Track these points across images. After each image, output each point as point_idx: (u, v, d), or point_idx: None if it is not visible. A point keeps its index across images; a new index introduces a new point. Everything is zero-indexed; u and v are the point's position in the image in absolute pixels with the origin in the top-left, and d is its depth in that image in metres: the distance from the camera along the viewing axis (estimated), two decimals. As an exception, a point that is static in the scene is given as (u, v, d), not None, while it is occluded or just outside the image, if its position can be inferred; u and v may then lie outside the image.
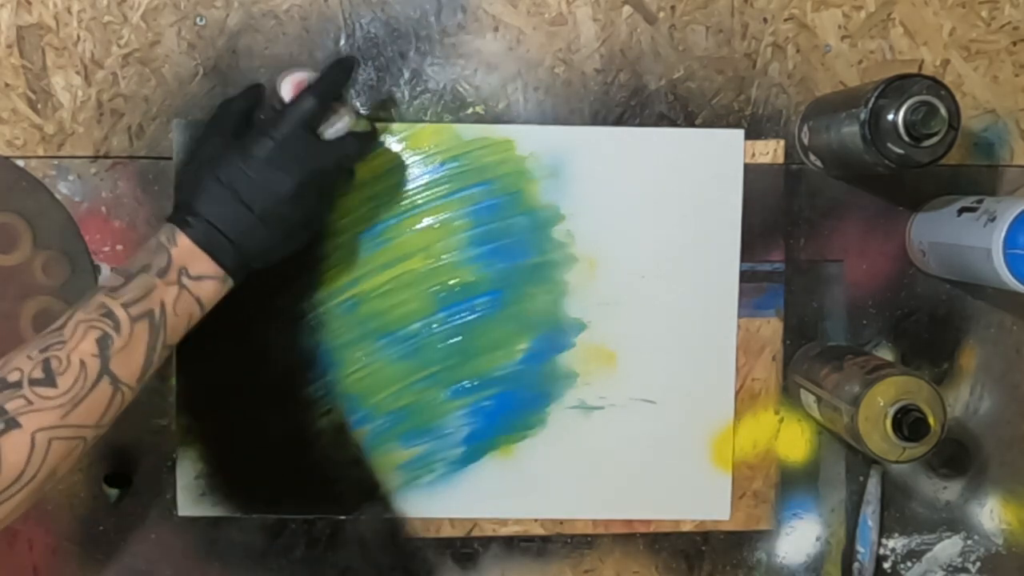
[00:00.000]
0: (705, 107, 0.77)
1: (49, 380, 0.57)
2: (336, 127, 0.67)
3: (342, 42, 0.75)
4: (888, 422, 0.66)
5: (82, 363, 0.58)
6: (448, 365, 0.76)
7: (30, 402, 0.56)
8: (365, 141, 0.69)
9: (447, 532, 0.77)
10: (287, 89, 0.66)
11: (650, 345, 0.76)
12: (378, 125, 0.73)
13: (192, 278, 0.62)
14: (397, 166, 0.75)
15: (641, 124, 0.76)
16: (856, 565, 0.79)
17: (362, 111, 0.72)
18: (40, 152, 0.74)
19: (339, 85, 0.67)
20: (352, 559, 0.77)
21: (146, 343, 0.60)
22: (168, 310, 0.61)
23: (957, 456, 0.80)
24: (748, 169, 0.76)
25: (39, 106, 0.73)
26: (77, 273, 0.74)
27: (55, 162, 0.74)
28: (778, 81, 0.77)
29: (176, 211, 0.64)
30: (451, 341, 0.76)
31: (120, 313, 0.59)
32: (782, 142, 0.76)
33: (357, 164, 0.71)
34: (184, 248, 0.62)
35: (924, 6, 0.76)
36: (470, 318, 0.76)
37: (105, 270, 0.74)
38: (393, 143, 0.75)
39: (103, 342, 0.59)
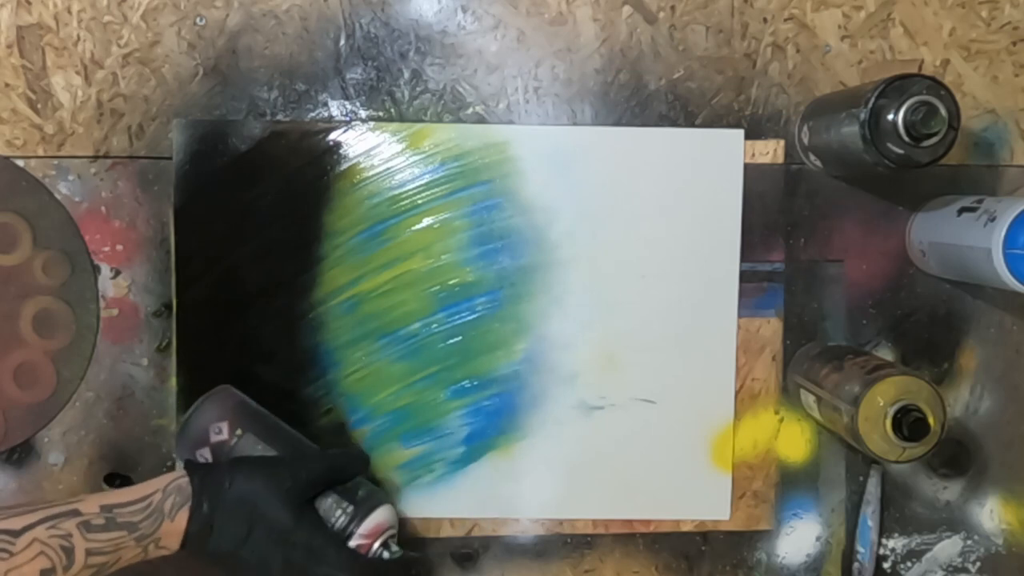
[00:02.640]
0: (705, 107, 0.77)
1: None
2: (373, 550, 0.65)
3: (342, 42, 0.75)
4: (888, 422, 0.66)
5: None
6: (448, 365, 0.76)
7: None
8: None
9: (447, 532, 0.77)
10: (365, 530, 0.64)
11: (650, 345, 0.76)
12: (379, 126, 0.74)
13: (158, 547, 0.60)
14: (397, 166, 0.75)
15: (641, 124, 0.76)
16: (856, 565, 0.79)
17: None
18: (40, 152, 0.74)
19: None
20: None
21: None
22: (120, 562, 0.59)
23: (957, 456, 0.80)
24: (748, 169, 0.76)
25: (39, 106, 0.73)
26: (77, 273, 0.74)
27: (55, 162, 0.74)
28: (778, 81, 0.77)
29: (204, 480, 0.61)
30: (451, 341, 0.76)
31: (79, 557, 0.57)
32: (782, 142, 0.76)
33: None
34: (176, 528, 0.60)
35: (924, 6, 0.76)
36: (470, 318, 0.76)
37: (105, 270, 0.74)
38: (393, 143, 0.75)
39: (46, 575, 0.56)
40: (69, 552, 0.56)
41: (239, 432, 0.66)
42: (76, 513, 0.58)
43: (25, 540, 0.55)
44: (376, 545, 0.64)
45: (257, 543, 0.61)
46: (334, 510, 0.64)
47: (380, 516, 0.65)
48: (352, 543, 0.64)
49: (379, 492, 0.67)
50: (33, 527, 0.56)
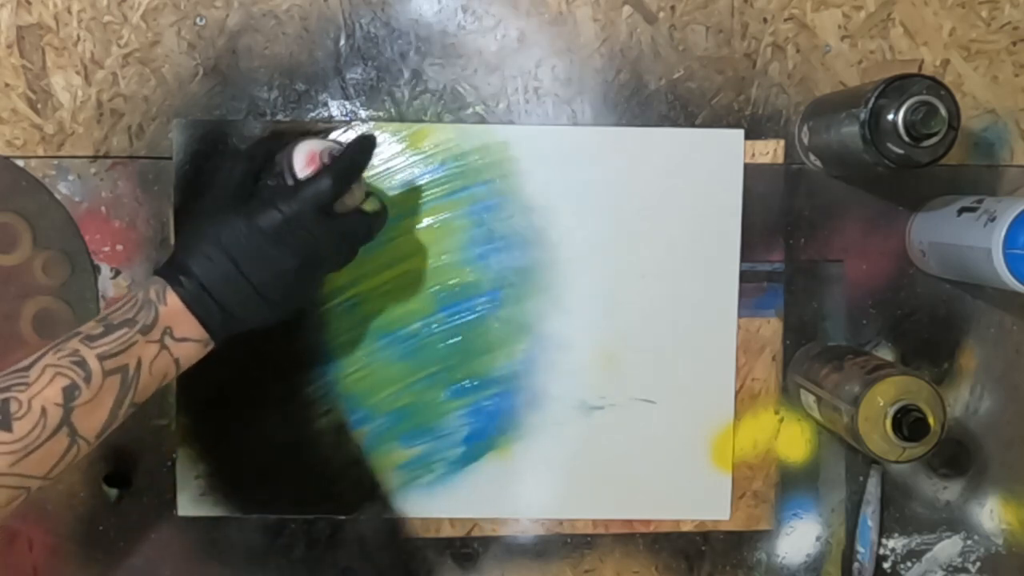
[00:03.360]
0: (705, 107, 0.77)
1: (5, 423, 0.54)
2: (346, 204, 0.65)
3: (342, 42, 0.75)
4: (888, 422, 0.66)
5: (43, 410, 0.55)
6: (448, 365, 0.76)
7: None
8: (375, 221, 0.66)
9: (447, 532, 0.77)
10: (300, 161, 0.63)
11: (650, 345, 0.76)
12: (379, 126, 0.74)
13: (175, 339, 0.60)
14: (397, 166, 0.75)
15: (641, 124, 0.76)
16: (856, 565, 0.79)
17: (369, 191, 0.69)
18: (40, 152, 0.74)
19: (359, 167, 0.64)
20: (352, 559, 0.77)
21: (114, 399, 0.58)
22: (144, 368, 0.59)
23: (957, 456, 0.80)
24: (748, 169, 0.76)
25: (39, 106, 0.73)
26: (77, 273, 0.74)
27: (55, 162, 0.74)
28: (778, 81, 0.77)
29: (170, 266, 0.62)
30: (451, 341, 0.76)
31: (93, 364, 0.57)
32: (782, 142, 0.76)
33: (366, 243, 0.67)
34: (173, 308, 0.60)
35: (924, 6, 0.76)
36: (470, 318, 0.76)
37: (105, 270, 0.74)
38: (393, 143, 0.75)
39: (69, 392, 0.56)
40: (82, 364, 0.57)
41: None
42: (75, 333, 0.59)
43: (37, 370, 0.56)
44: (323, 161, 0.63)
45: (247, 263, 0.61)
46: (271, 184, 0.64)
47: (304, 146, 0.64)
48: (301, 178, 0.63)
49: (291, 141, 0.65)
50: (42, 357, 0.57)
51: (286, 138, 0.66)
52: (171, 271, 0.61)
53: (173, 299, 0.60)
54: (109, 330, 0.59)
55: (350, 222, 0.65)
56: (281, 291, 0.62)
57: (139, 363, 0.59)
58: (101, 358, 0.57)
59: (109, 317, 0.60)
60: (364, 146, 0.65)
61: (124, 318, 0.59)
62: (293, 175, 0.63)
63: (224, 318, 0.61)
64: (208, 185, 0.65)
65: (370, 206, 0.66)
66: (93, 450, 0.58)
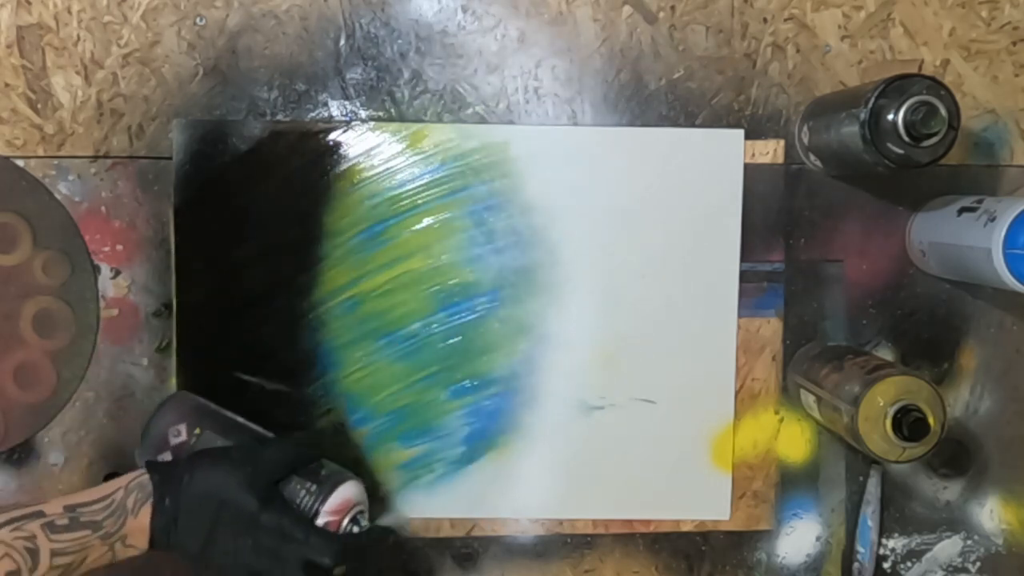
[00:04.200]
0: (705, 107, 0.77)
1: None
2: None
3: (342, 42, 0.75)
4: (888, 422, 0.66)
5: None
6: (448, 365, 0.76)
7: None
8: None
9: (447, 532, 0.77)
10: (333, 503, 0.63)
11: (650, 345, 0.76)
12: (379, 126, 0.74)
13: (125, 546, 0.60)
14: (397, 166, 0.75)
15: (641, 124, 0.76)
16: (856, 565, 0.79)
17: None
18: (40, 152, 0.74)
19: (369, 560, 0.63)
20: (352, 559, 0.77)
21: None
22: (86, 563, 0.59)
23: (957, 456, 0.80)
24: (748, 169, 0.76)
25: (39, 106, 0.73)
26: (77, 273, 0.74)
27: (55, 162, 0.74)
28: (778, 81, 0.77)
29: (166, 472, 0.61)
30: (451, 341, 0.76)
31: (44, 558, 0.57)
32: (782, 142, 0.76)
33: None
34: (140, 524, 0.60)
35: (924, 6, 0.76)
36: (470, 318, 0.76)
37: (105, 270, 0.74)
38: (393, 143, 0.75)
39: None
40: (34, 553, 0.56)
41: (197, 431, 0.66)
42: (40, 515, 0.58)
43: None
44: (345, 521, 0.63)
45: (224, 534, 0.60)
46: (299, 491, 0.63)
47: (346, 491, 0.64)
48: (320, 521, 0.62)
49: (343, 470, 0.66)
50: None
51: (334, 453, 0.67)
52: (163, 481, 0.61)
53: (145, 515, 0.60)
54: (73, 526, 0.58)
55: None
56: (215, 571, 0.62)
57: (84, 560, 0.59)
58: (54, 554, 0.57)
59: (79, 510, 0.59)
60: (382, 542, 0.65)
61: (92, 519, 0.59)
62: (318, 507, 0.63)
63: (165, 549, 0.61)
64: (260, 454, 0.64)
65: (339, 571, 0.63)
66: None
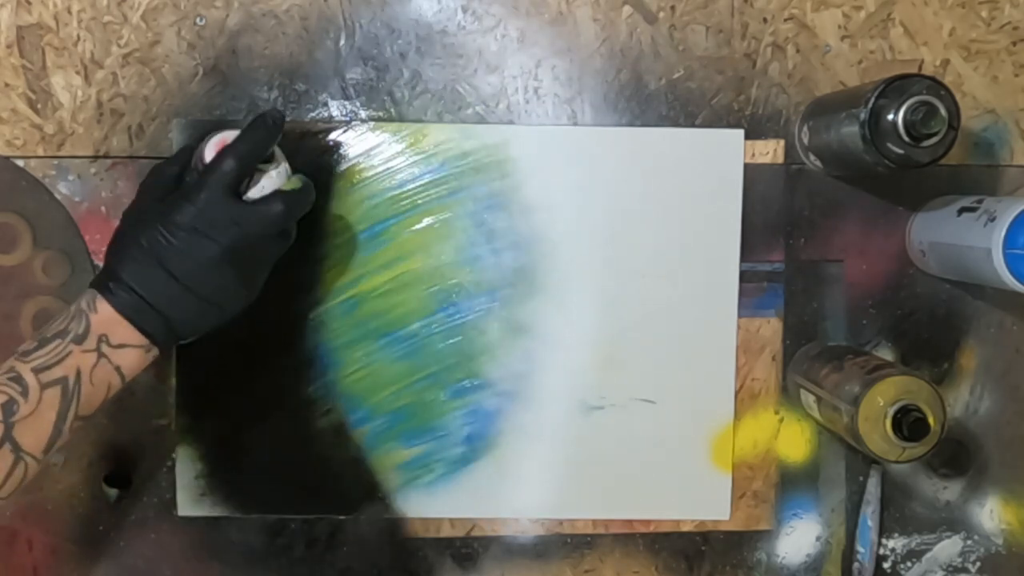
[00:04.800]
0: (705, 107, 0.77)
1: None
2: (262, 187, 0.63)
3: (342, 42, 0.75)
4: (888, 422, 0.66)
5: None
6: (448, 365, 0.76)
7: None
8: (294, 201, 0.64)
9: (447, 532, 0.77)
10: (210, 151, 0.63)
11: (650, 345, 0.76)
12: (379, 126, 0.73)
13: (112, 346, 0.59)
14: (397, 166, 0.75)
15: (641, 124, 0.76)
16: (856, 565, 0.79)
17: (288, 170, 0.66)
18: (40, 152, 0.74)
19: (262, 144, 0.63)
20: (352, 559, 0.77)
21: (56, 412, 0.57)
22: (84, 379, 0.58)
23: (957, 456, 0.80)
24: (748, 169, 0.76)
25: (39, 106, 0.73)
26: (77, 273, 0.74)
27: (55, 162, 0.74)
28: (778, 81, 0.77)
29: (99, 276, 0.62)
30: (451, 341, 0.76)
31: (29, 378, 0.57)
32: (782, 142, 0.76)
33: (288, 225, 0.65)
34: (104, 315, 0.59)
35: (924, 6, 0.76)
36: (470, 318, 0.76)
37: (105, 270, 0.74)
38: (393, 143, 0.75)
39: (7, 408, 0.56)
40: (18, 379, 0.57)
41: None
42: (12, 351, 0.59)
43: None
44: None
45: (177, 254, 0.60)
46: (190, 172, 0.63)
47: (213, 139, 0.63)
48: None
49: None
50: None
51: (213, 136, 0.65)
52: (101, 279, 0.61)
53: (104, 306, 0.60)
54: (43, 344, 0.59)
55: (265, 203, 0.63)
56: (213, 286, 0.61)
57: (78, 374, 0.58)
58: (36, 371, 0.57)
59: (43, 331, 0.60)
60: (268, 122, 0.63)
61: (56, 330, 0.59)
62: (203, 165, 0.63)
63: (160, 320, 0.61)
64: (136, 198, 0.65)
65: (288, 186, 0.64)
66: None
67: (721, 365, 0.77)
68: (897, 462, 0.67)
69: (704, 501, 0.78)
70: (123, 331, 0.60)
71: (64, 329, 0.59)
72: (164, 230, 0.60)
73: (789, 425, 0.78)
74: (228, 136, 0.63)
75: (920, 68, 0.77)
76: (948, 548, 0.80)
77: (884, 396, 0.66)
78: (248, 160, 0.62)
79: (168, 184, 0.64)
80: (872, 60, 0.77)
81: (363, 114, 0.75)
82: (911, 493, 0.80)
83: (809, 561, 0.80)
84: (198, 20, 0.74)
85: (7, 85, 0.73)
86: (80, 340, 0.59)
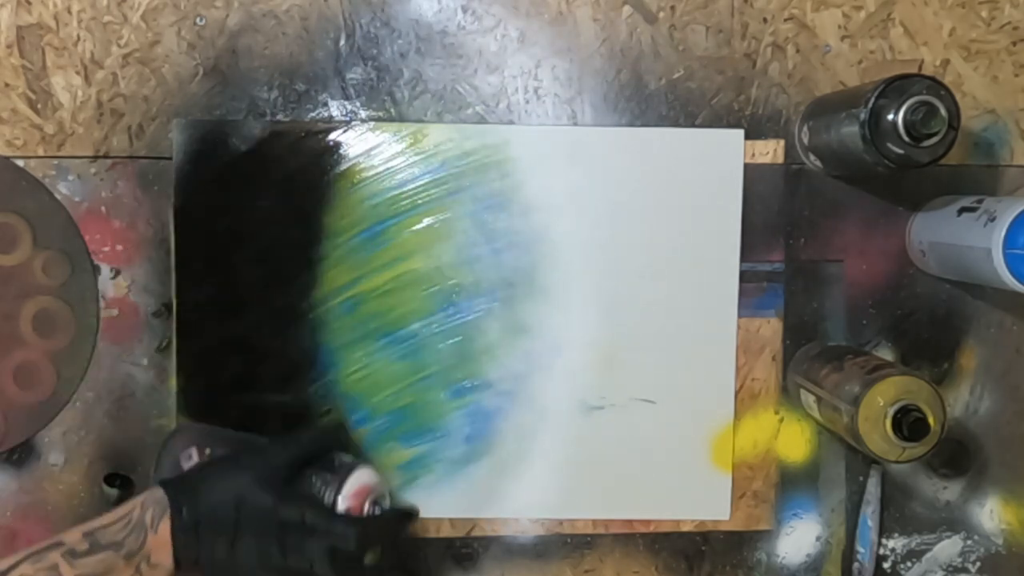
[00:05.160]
0: (705, 107, 0.77)
1: None
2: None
3: (342, 42, 0.75)
4: (888, 422, 0.66)
5: None
6: (448, 365, 0.76)
7: None
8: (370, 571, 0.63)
9: (447, 532, 0.77)
10: (349, 489, 0.63)
11: (650, 345, 0.76)
12: (379, 126, 0.74)
13: (150, 565, 0.59)
14: (397, 166, 0.75)
15: (641, 124, 0.76)
16: (856, 565, 0.79)
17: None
18: (40, 152, 0.74)
19: (391, 539, 0.63)
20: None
21: None
22: None
23: (957, 456, 0.80)
24: (748, 169, 0.76)
25: (39, 106, 0.73)
26: (77, 273, 0.74)
27: (55, 162, 0.74)
28: (778, 81, 0.77)
29: (180, 484, 0.61)
30: (451, 341, 0.76)
31: None
32: (782, 142, 0.76)
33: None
34: (162, 538, 0.59)
35: (924, 6, 0.76)
36: (470, 318, 0.76)
37: (105, 270, 0.74)
38: (393, 143, 0.75)
39: None
40: None
41: (208, 451, 0.66)
42: (59, 544, 0.57)
43: None
44: (366, 506, 0.63)
45: (247, 536, 0.60)
46: (315, 484, 0.63)
47: (362, 476, 0.64)
48: (340, 508, 0.62)
49: (357, 459, 0.66)
50: (18, 565, 0.56)
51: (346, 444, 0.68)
52: (179, 492, 0.60)
53: (165, 529, 0.59)
54: (94, 549, 0.58)
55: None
56: (247, 571, 0.61)
57: None
58: None
59: (97, 533, 0.59)
60: (405, 521, 0.65)
61: (112, 540, 0.59)
62: (336, 496, 0.63)
63: (192, 563, 0.60)
64: (263, 452, 0.64)
65: (371, 558, 0.63)
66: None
67: (721, 365, 0.77)
68: (897, 462, 0.67)
69: (704, 501, 0.78)
70: (164, 554, 0.59)
71: (120, 541, 0.58)
72: (265, 514, 0.60)
73: (789, 425, 0.78)
74: (370, 483, 0.64)
75: (920, 68, 0.77)
76: (948, 548, 0.80)
77: (884, 396, 0.66)
78: (369, 547, 0.62)
79: (295, 464, 0.63)
80: (872, 60, 0.77)
81: (363, 114, 0.75)
82: (911, 493, 0.80)
83: (809, 561, 0.80)
84: (198, 20, 0.74)
85: (7, 85, 0.73)
86: (130, 556, 0.59)
